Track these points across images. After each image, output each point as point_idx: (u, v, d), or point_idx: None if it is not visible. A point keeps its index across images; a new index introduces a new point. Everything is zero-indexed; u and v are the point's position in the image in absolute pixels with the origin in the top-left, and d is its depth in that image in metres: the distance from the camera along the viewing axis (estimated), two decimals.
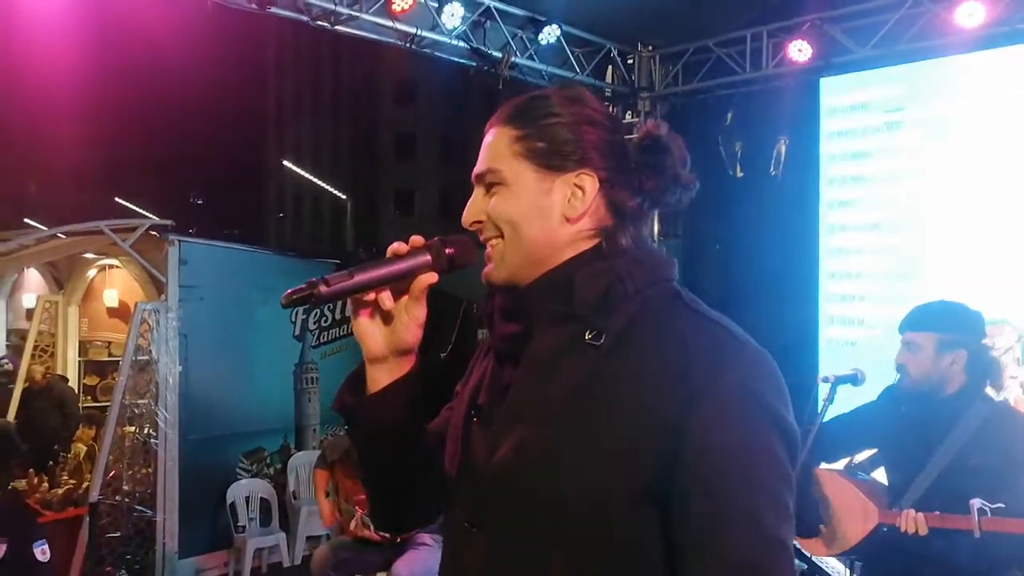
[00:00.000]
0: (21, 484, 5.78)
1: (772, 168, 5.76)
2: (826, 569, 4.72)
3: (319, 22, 4.84)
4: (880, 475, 2.37)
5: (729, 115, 5.93)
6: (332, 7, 4.68)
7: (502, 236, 1.14)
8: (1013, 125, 4.64)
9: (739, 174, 5.91)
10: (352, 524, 3.66)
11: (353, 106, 26.92)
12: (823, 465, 2.33)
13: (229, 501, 5.85)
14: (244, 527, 5.87)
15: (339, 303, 6.86)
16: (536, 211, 1.11)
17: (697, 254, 6.43)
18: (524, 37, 5.48)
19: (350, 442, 3.61)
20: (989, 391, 2.21)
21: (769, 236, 5.77)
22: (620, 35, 5.93)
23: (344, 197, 23.86)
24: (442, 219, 32.96)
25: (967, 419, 2.11)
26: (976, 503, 1.97)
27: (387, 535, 3.55)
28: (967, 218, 4.80)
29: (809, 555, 4.87)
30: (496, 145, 1.14)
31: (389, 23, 4.85)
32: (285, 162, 23.32)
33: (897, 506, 2.18)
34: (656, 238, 6.55)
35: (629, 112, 6.46)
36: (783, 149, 5.65)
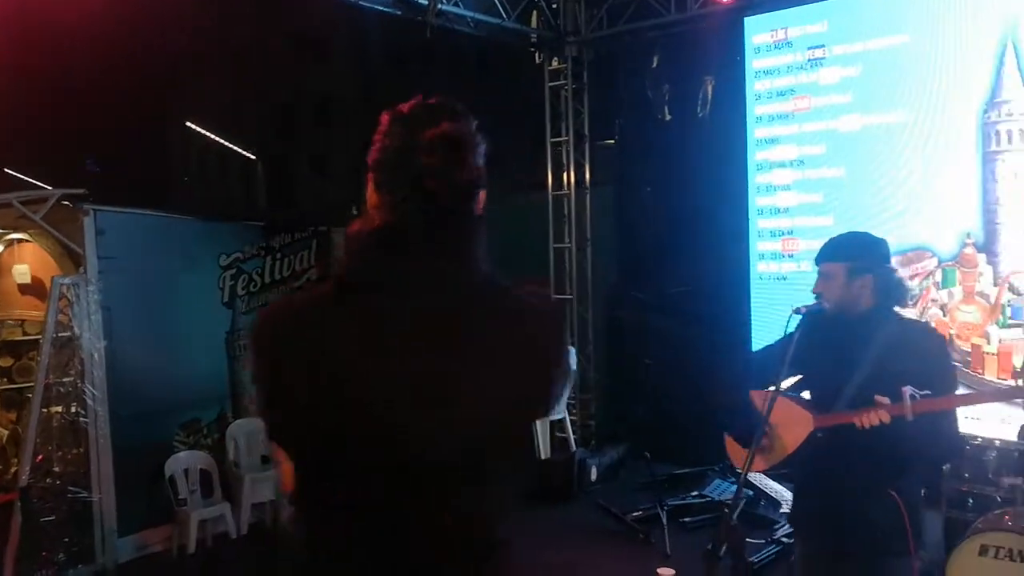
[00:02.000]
0: None
1: (700, 109, 5.83)
2: (772, 495, 4.94)
3: None
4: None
5: (655, 58, 5.94)
6: None
7: None
8: (932, 58, 4.79)
9: (667, 117, 5.96)
10: None
11: (265, 61, 25.88)
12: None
13: (168, 475, 5.68)
14: (185, 500, 5.73)
15: (267, 266, 6.70)
16: None
17: (629, 198, 6.49)
18: None
19: None
20: (898, 311, 2.43)
21: (700, 176, 5.87)
22: None
23: (253, 158, 23.04)
24: (355, 182, 32.22)
25: (882, 334, 2.33)
26: (908, 390, 2.19)
27: None
28: (889, 152, 4.96)
29: (757, 484, 5.07)
30: None
31: None
32: (188, 123, 22.31)
33: (831, 411, 2.36)
34: (588, 186, 6.60)
35: (555, 59, 6.42)
36: (710, 90, 5.72)
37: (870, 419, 2.22)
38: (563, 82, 6.38)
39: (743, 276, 5.59)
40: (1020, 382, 2.28)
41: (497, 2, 5.53)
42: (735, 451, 2.48)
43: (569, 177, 6.54)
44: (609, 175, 6.64)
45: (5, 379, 8.03)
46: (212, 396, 6.25)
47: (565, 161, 6.53)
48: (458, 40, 5.72)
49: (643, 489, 4.82)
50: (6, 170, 23.35)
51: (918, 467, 2.44)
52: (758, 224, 5.60)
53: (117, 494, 5.37)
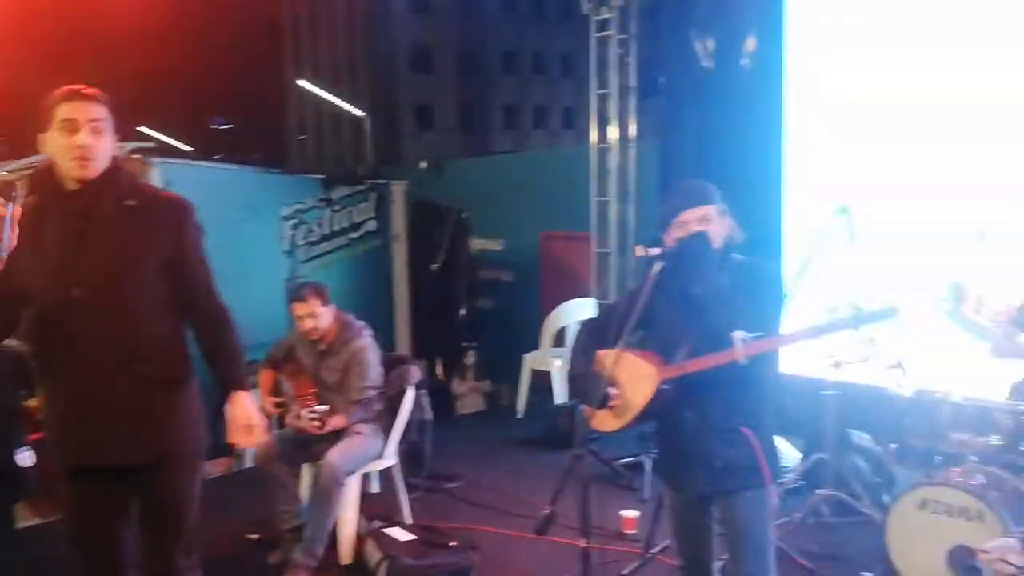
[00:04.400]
0: None
1: (742, 59, 5.71)
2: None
3: None
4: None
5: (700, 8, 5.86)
6: None
7: None
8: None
9: (711, 67, 5.87)
10: (290, 417, 3.92)
11: (367, 21, 26.53)
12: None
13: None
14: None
15: (326, 217, 7.07)
16: None
17: (673, 152, 6.43)
18: None
19: (291, 344, 3.81)
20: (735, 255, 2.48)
21: (740, 129, 5.77)
22: None
23: (363, 115, 23.77)
24: (462, 133, 32.86)
25: (722, 277, 2.37)
26: (739, 334, 2.23)
27: (320, 426, 3.82)
28: (927, 111, 4.74)
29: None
30: None
31: None
32: (300, 81, 23.27)
33: (673, 362, 2.40)
34: (633, 139, 6.59)
35: (603, 7, 6.40)
36: (753, 41, 5.59)
37: (707, 366, 2.28)
38: (608, 32, 6.37)
39: (775, 233, 5.52)
40: (838, 315, 2.24)
41: None
42: (595, 417, 2.48)
43: (614, 129, 6.55)
44: (653, 128, 6.60)
45: None
46: (271, 339, 6.70)
47: (610, 113, 6.54)
48: None
49: (639, 439, 4.95)
50: (141, 128, 25.11)
51: (765, 403, 2.48)
52: (791, 180, 5.49)
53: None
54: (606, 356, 2.42)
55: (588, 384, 2.46)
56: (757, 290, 2.38)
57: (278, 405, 4.21)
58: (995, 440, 3.24)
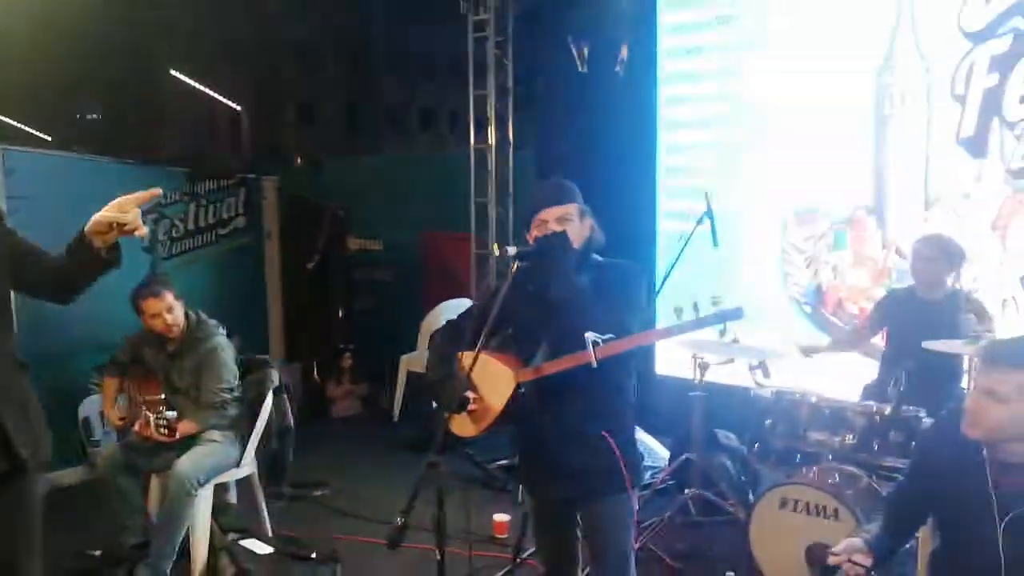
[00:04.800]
0: None
1: (617, 66, 5.77)
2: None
3: None
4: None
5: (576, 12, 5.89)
6: None
7: None
8: (836, 20, 4.72)
9: (585, 71, 5.91)
10: (138, 425, 3.67)
11: (249, 13, 25.67)
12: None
13: (82, 417, 5.76)
14: (99, 441, 5.81)
15: (191, 212, 6.70)
16: None
17: (549, 157, 6.46)
18: None
19: (136, 345, 3.54)
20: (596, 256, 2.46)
21: (614, 134, 5.83)
22: None
23: (239, 109, 22.97)
24: (347, 132, 32.25)
25: (582, 277, 2.33)
26: (590, 335, 2.19)
27: (169, 434, 3.56)
28: (788, 115, 4.92)
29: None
30: None
31: None
32: (173, 71, 22.26)
33: (531, 365, 2.35)
34: (511, 139, 6.56)
35: (480, 8, 6.34)
36: (626, 46, 5.66)
37: (558, 369, 2.23)
38: (485, 33, 6.32)
39: (651, 234, 5.60)
40: (694, 317, 2.23)
41: None
42: (454, 421, 2.41)
43: (492, 131, 6.51)
44: (531, 131, 6.61)
45: None
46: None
47: (489, 115, 6.48)
48: None
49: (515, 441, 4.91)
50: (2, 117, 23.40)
51: (626, 407, 2.45)
52: (665, 183, 5.59)
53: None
54: (464, 358, 2.33)
55: (446, 387, 2.38)
56: (615, 292, 2.33)
57: (122, 418, 3.92)
58: (849, 439, 3.34)
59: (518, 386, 2.33)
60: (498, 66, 6.39)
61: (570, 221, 2.36)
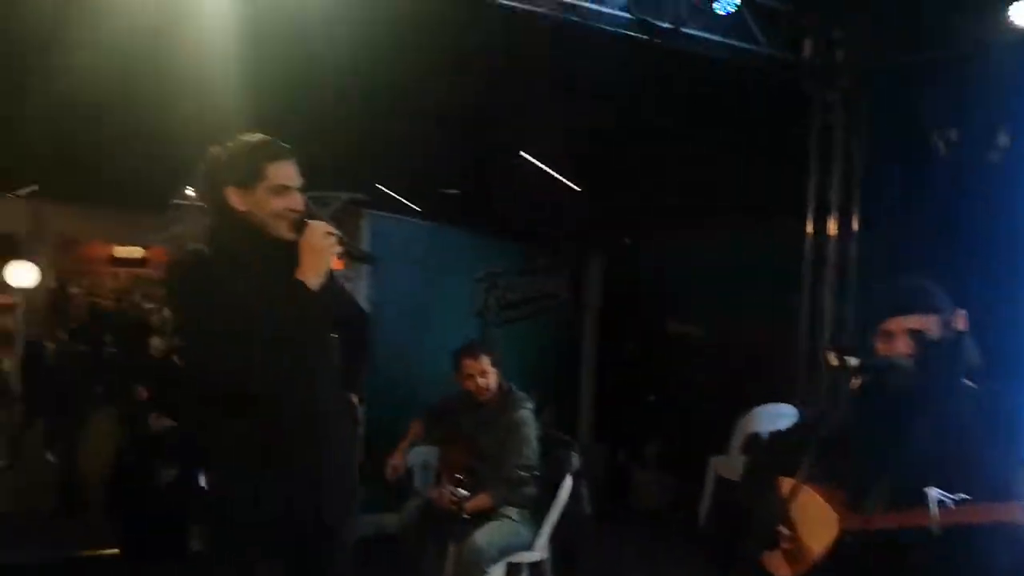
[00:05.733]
0: None
1: (993, 151, 5.01)
2: None
3: None
4: None
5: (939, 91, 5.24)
6: None
7: None
8: None
9: (945, 156, 5.21)
10: (437, 494, 3.71)
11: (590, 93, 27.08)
12: None
13: (407, 466, 6.14)
14: (419, 492, 6.14)
15: (521, 283, 6.97)
16: None
17: (901, 252, 5.75)
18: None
19: (450, 404, 3.63)
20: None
21: (987, 229, 5.05)
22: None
23: (575, 187, 24.10)
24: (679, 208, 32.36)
25: (947, 406, 1.83)
26: (933, 492, 1.68)
27: (459, 510, 3.52)
28: None
29: None
30: None
31: None
32: (522, 153, 24.12)
33: (862, 509, 1.84)
34: (856, 229, 5.97)
35: (825, 90, 5.90)
36: (1004, 129, 4.90)
37: (897, 525, 1.74)
38: (826, 116, 5.85)
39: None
40: None
41: (753, 25, 5.21)
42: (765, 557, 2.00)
43: (833, 218, 5.97)
44: (880, 220, 5.94)
45: None
46: None
47: (830, 199, 5.97)
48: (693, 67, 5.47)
49: None
50: (378, 185, 27.12)
51: None
52: None
53: (361, 479, 5.90)
54: (783, 484, 1.96)
55: (758, 516, 2.03)
56: (985, 431, 1.83)
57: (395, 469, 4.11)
58: None
59: (842, 533, 1.88)
60: (844, 147, 5.89)
61: (927, 334, 1.92)
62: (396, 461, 4.14)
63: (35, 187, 8.77)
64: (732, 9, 4.98)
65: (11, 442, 6.66)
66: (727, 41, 5.16)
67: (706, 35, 5.13)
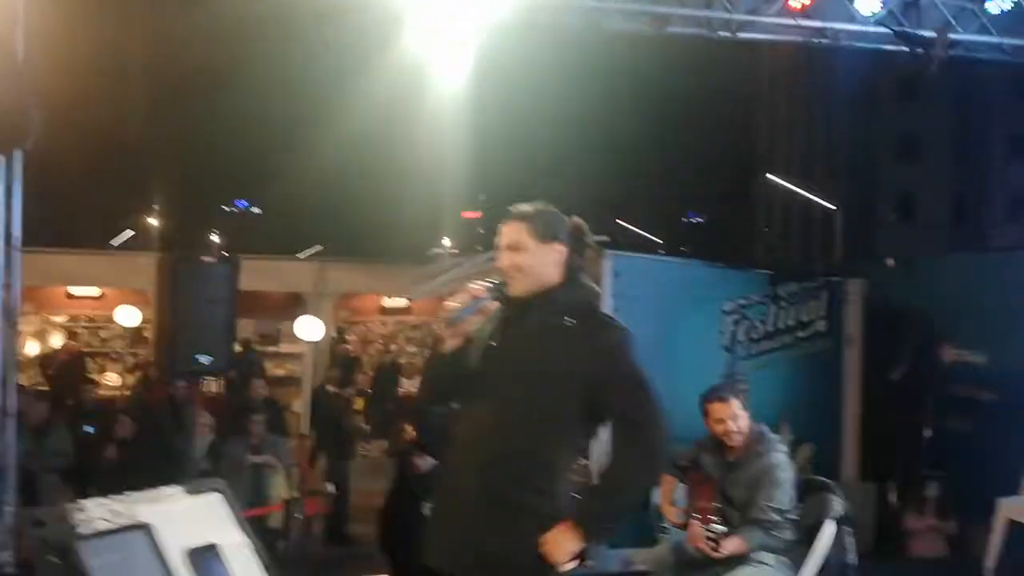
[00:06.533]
0: None
1: None
2: None
3: (720, 32, 4.86)
4: None
5: None
6: (727, 16, 4.67)
7: None
8: None
9: None
10: (689, 533, 3.59)
11: (840, 111, 25.60)
12: None
13: (653, 502, 6.08)
14: (668, 529, 6.06)
15: (771, 314, 6.67)
16: None
17: None
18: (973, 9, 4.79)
19: (698, 449, 3.57)
20: None
21: None
22: None
23: (833, 208, 22.66)
24: (952, 227, 29.41)
25: None
26: None
27: (715, 548, 3.40)
28: None
29: None
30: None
31: (792, 21, 4.68)
32: (769, 175, 23.14)
33: None
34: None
35: None
36: None
37: None
38: None
39: None
40: None
41: None
42: None
43: None
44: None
45: None
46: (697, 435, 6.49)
47: None
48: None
49: None
50: (621, 221, 27.45)
51: None
52: None
53: None
54: None
55: None
56: None
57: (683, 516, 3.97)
58: None
59: None
60: None
61: None
62: (672, 512, 4.08)
63: (319, 247, 9.89)
64: (1008, 7, 4.54)
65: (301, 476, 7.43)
66: (1008, 41, 4.71)
67: (979, 38, 4.73)
